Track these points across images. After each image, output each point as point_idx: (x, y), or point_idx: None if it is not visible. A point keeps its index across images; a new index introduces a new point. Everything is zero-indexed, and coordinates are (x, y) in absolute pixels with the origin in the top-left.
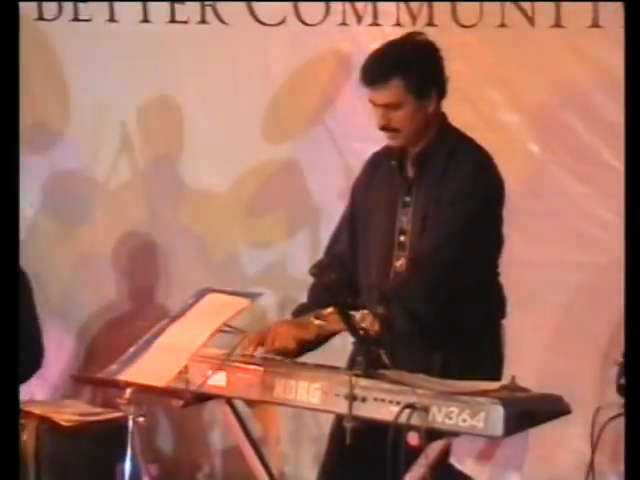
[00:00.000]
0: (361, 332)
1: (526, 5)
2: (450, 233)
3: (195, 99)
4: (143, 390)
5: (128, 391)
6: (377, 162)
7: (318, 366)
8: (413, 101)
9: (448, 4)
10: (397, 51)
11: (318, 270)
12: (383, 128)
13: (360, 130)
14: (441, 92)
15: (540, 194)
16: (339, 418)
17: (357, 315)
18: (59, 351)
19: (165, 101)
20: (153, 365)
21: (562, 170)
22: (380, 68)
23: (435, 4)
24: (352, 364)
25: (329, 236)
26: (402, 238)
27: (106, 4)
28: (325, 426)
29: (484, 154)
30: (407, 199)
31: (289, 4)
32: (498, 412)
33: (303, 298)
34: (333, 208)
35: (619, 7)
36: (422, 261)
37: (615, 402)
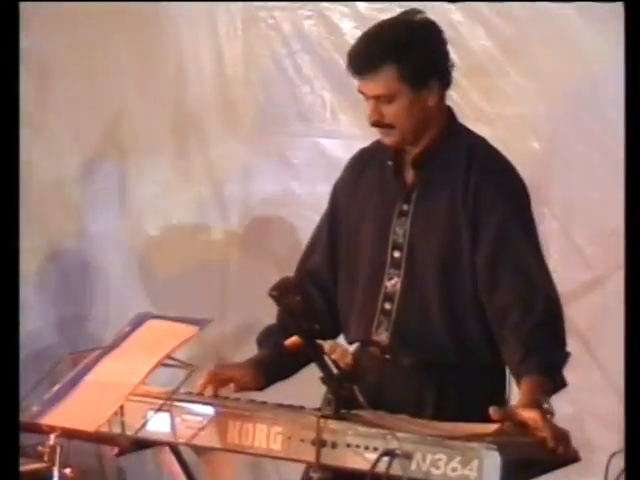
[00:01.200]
0: (332, 365)
1: None
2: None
3: (133, 88)
4: (70, 436)
5: (52, 437)
6: (365, 161)
7: (280, 406)
8: (409, 92)
9: None
10: (389, 33)
11: (279, 292)
12: (375, 124)
13: (328, 124)
14: (444, 82)
15: (542, 199)
16: (307, 468)
17: (326, 345)
18: None
19: (98, 91)
20: (82, 406)
21: (568, 171)
22: (369, 53)
23: None
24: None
25: (290, 250)
26: (396, 254)
27: None
28: (289, 476)
29: (501, 153)
30: (405, 207)
31: None
32: (494, 460)
33: (266, 324)
34: (295, 217)
35: None
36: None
37: None
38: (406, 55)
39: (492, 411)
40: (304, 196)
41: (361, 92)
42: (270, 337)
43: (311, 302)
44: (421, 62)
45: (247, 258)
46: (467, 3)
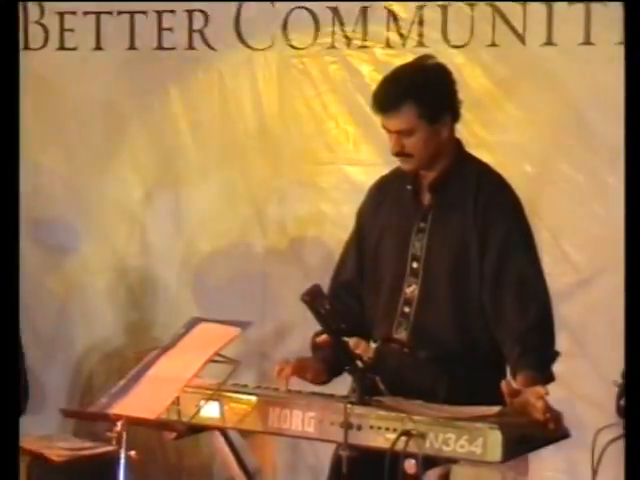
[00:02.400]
0: (356, 359)
1: (516, 23)
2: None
3: (186, 127)
4: (134, 423)
5: (119, 424)
6: (386, 186)
7: (313, 394)
8: (426, 126)
9: (439, 24)
10: (408, 76)
11: (311, 297)
12: (397, 154)
13: (351, 153)
14: (455, 116)
15: (535, 212)
16: (337, 447)
17: (351, 342)
18: (54, 386)
19: (154, 130)
20: (144, 397)
21: (556, 189)
22: (391, 95)
23: (425, 24)
24: (351, 391)
25: (319, 262)
26: (414, 265)
27: (93, 32)
28: (322, 455)
29: (502, 176)
30: (422, 225)
31: (278, 27)
32: (496, 437)
33: (300, 325)
34: (323, 233)
35: (612, 22)
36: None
37: (616, 423)
38: (423, 95)
39: (504, 384)
40: (331, 216)
41: (385, 128)
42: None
43: (349, 308)
44: (436, 100)
45: (283, 269)
46: (468, 48)
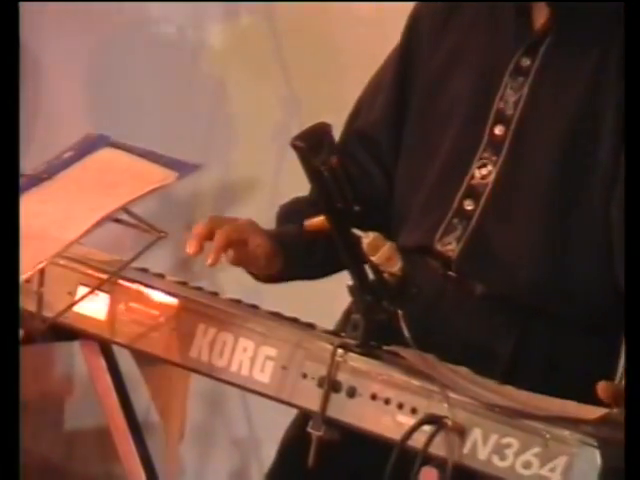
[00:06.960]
0: (370, 271)
1: None
2: None
3: None
4: None
5: None
6: None
7: (277, 316)
8: None
9: None
10: None
11: (308, 144)
12: None
13: None
14: None
15: None
16: (302, 418)
17: (366, 239)
18: None
19: None
20: None
21: None
22: None
23: None
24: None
25: (316, 77)
26: (498, 130)
27: None
28: (259, 417)
29: None
30: (526, 62)
31: None
32: (592, 460)
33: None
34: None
35: None
36: None
37: None
38: None
39: (601, 388)
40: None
41: None
42: (298, 214)
43: (363, 174)
44: None
45: (248, 78)
46: None
